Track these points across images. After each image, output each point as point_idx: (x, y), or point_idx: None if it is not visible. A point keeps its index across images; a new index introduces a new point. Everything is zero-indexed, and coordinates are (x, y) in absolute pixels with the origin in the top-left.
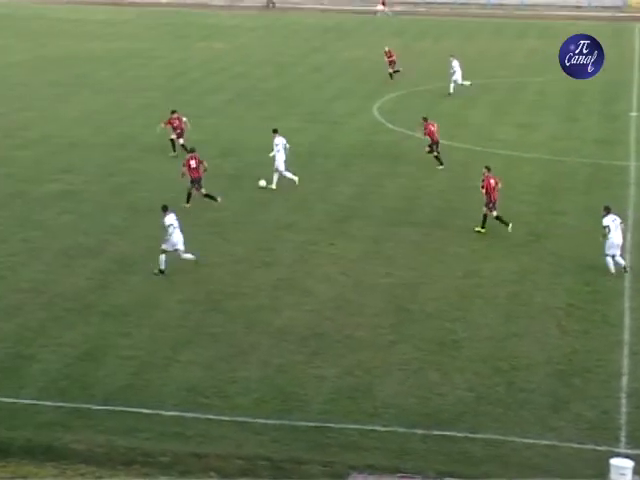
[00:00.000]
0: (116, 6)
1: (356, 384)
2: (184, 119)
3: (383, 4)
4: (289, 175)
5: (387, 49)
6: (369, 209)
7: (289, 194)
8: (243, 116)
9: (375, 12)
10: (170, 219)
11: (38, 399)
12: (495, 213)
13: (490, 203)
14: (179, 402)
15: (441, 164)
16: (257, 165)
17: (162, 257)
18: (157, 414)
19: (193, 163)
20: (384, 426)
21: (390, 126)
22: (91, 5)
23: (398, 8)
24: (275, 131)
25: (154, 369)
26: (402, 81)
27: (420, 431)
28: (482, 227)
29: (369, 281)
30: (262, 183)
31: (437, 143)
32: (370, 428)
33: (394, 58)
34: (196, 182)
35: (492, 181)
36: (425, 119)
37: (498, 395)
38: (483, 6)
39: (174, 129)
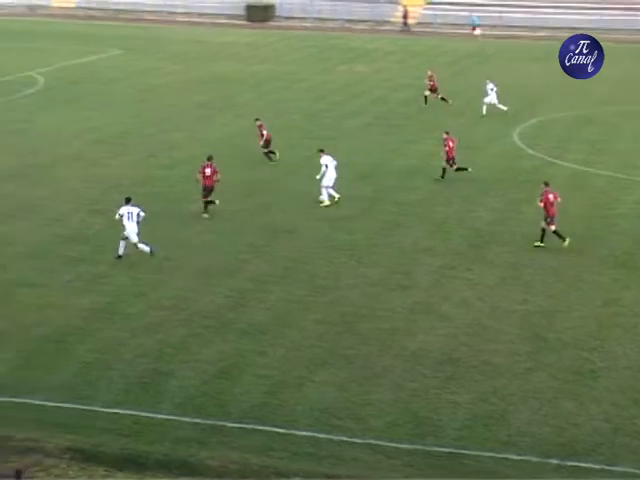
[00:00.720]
0: (262, 29)
1: (491, 411)
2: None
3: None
4: (332, 192)
5: (430, 73)
6: (507, 235)
7: (427, 217)
8: (382, 139)
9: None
10: (123, 210)
11: (175, 415)
12: (553, 227)
13: (548, 217)
14: (312, 422)
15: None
16: (395, 188)
17: (121, 243)
18: (291, 434)
19: (208, 171)
20: (518, 455)
21: (531, 152)
22: (238, 28)
23: (541, 33)
24: (321, 151)
25: (288, 388)
26: (542, 107)
27: (555, 461)
28: (541, 241)
29: (506, 307)
30: (324, 199)
31: (453, 159)
32: (504, 456)
33: (436, 84)
34: (207, 190)
35: (550, 196)
36: (447, 133)
37: (637, 427)
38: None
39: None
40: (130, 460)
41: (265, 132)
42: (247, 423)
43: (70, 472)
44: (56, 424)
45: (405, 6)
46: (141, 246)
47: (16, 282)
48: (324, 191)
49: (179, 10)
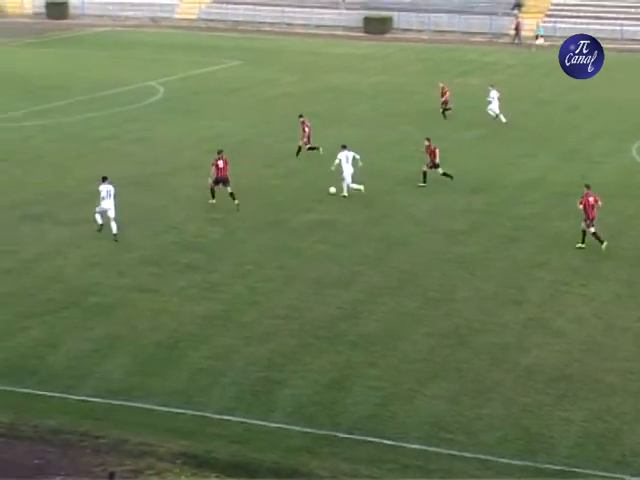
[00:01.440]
0: (378, 41)
1: (604, 430)
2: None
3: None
4: (355, 186)
5: (441, 85)
6: (623, 250)
7: (542, 232)
8: (497, 152)
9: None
10: (102, 188)
11: (287, 423)
12: (593, 229)
13: (588, 220)
14: (423, 435)
15: (424, 182)
16: (510, 202)
17: (97, 216)
18: (401, 446)
19: (221, 163)
20: (632, 475)
21: None
22: (355, 40)
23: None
24: (344, 147)
25: (399, 401)
26: None
27: None
28: (582, 242)
29: (621, 324)
30: (332, 190)
31: (437, 165)
32: (618, 476)
33: (446, 97)
34: (222, 181)
35: (591, 199)
36: (428, 139)
37: None
38: None
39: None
40: (241, 467)
41: (307, 129)
42: (357, 434)
43: (182, 477)
44: (169, 429)
45: (517, 17)
46: (114, 224)
47: (132, 288)
48: (344, 185)
49: (297, 22)
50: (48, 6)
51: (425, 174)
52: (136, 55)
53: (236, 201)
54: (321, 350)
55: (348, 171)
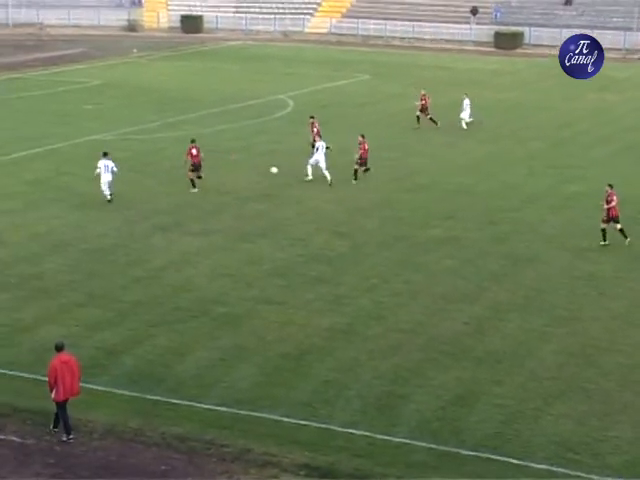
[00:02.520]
0: (509, 57)
1: None
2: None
3: None
4: (326, 174)
5: (423, 92)
6: None
7: None
8: (631, 169)
9: None
10: (101, 163)
11: (410, 438)
12: (619, 226)
13: (611, 219)
14: (548, 455)
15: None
16: None
17: (104, 190)
18: (526, 465)
19: (194, 151)
20: None
21: None
22: (485, 55)
23: None
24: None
25: (524, 419)
26: None
27: None
28: (604, 240)
29: None
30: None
31: (365, 161)
32: None
33: (426, 103)
34: (196, 167)
35: (615, 197)
36: (362, 136)
37: None
38: None
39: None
40: None
41: (316, 128)
42: (482, 451)
43: None
44: (293, 440)
45: None
46: (109, 193)
47: (260, 299)
48: (309, 168)
49: (427, 37)
50: (183, 20)
51: (356, 171)
52: (267, 68)
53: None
54: (446, 366)
55: (321, 158)
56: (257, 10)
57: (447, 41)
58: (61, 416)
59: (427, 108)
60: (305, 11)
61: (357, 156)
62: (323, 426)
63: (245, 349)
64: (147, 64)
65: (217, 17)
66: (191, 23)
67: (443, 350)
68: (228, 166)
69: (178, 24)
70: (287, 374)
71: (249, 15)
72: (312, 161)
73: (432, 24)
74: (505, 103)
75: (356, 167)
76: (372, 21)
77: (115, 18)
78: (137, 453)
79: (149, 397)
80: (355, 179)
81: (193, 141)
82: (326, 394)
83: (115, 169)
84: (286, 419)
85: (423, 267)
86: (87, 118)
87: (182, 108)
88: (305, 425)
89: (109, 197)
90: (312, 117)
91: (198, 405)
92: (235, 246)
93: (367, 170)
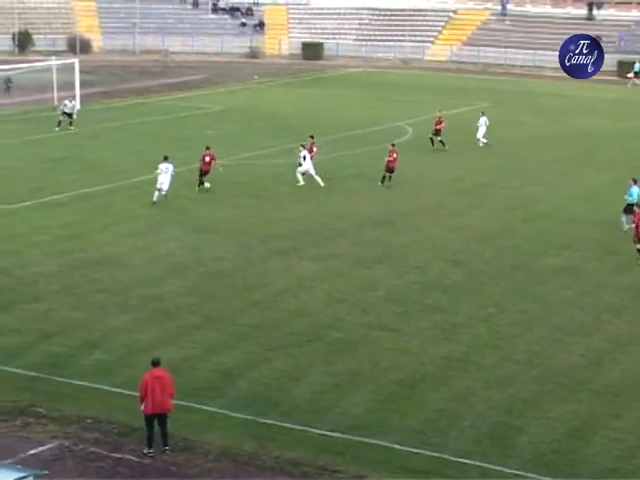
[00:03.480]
0: (625, 85)
1: None
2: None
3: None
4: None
5: (439, 115)
6: None
7: None
8: None
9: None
10: (162, 166)
11: (524, 470)
12: (638, 246)
13: (636, 237)
14: None
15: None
16: None
17: (156, 193)
18: None
19: (207, 159)
20: None
21: None
22: (606, 84)
23: None
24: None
25: None
26: None
27: None
28: None
29: None
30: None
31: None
32: None
33: (441, 127)
34: (203, 174)
35: None
36: (393, 145)
37: None
38: None
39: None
40: None
41: (315, 147)
42: None
43: None
44: (406, 467)
45: None
46: (158, 193)
47: (375, 325)
48: (299, 175)
49: (548, 65)
50: (304, 48)
51: (384, 177)
52: (386, 96)
53: (207, 184)
54: (562, 398)
55: (308, 165)
56: (377, 37)
57: None
58: (146, 429)
59: (440, 131)
60: (426, 39)
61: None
62: (436, 455)
63: (359, 375)
64: (267, 90)
65: (338, 44)
66: (312, 50)
67: (559, 382)
68: (345, 192)
69: (299, 51)
70: (401, 401)
71: (369, 42)
72: (301, 170)
73: (553, 52)
74: (624, 132)
75: (384, 173)
76: (492, 49)
77: (237, 45)
78: (251, 476)
79: (263, 421)
80: (381, 183)
81: (208, 148)
82: (439, 423)
83: (173, 172)
84: (399, 447)
85: (540, 297)
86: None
87: (301, 134)
88: (418, 453)
89: (156, 199)
90: (312, 137)
91: (312, 430)
92: (351, 272)
93: (390, 178)
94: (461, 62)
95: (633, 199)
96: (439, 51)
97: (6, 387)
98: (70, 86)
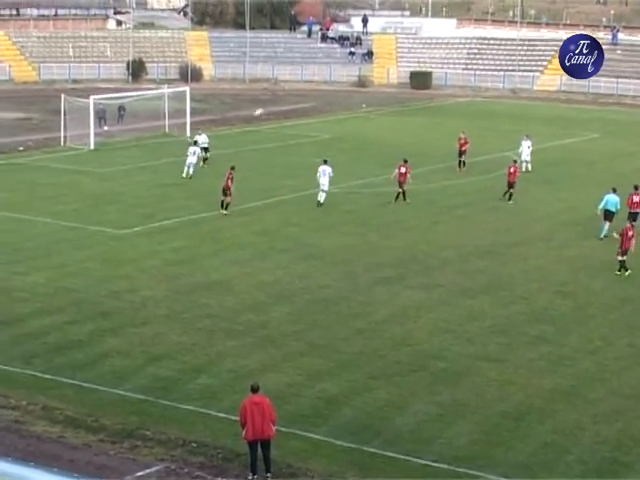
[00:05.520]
0: None
1: None
2: None
3: None
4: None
5: (463, 136)
6: None
7: None
8: None
9: None
10: (320, 168)
11: None
12: (620, 258)
13: (620, 248)
14: None
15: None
16: None
17: (320, 193)
18: None
19: (230, 180)
20: None
21: None
22: None
23: None
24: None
25: None
26: None
27: None
28: (618, 270)
29: None
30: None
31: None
32: None
33: (464, 147)
34: (225, 192)
35: (630, 232)
36: (405, 161)
37: None
38: None
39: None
40: None
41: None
42: None
43: None
44: None
45: None
46: (323, 194)
47: (480, 356)
48: (320, 193)
49: None
50: (412, 76)
51: (398, 195)
52: (494, 125)
53: (224, 211)
54: None
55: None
56: (486, 67)
57: None
58: (249, 455)
59: (465, 151)
60: (535, 68)
61: (396, 179)
62: None
63: (464, 406)
64: (375, 119)
65: (446, 73)
66: (420, 79)
67: None
68: (452, 221)
69: (407, 80)
70: (506, 434)
71: (478, 72)
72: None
73: None
74: None
75: (398, 190)
76: (603, 79)
77: (346, 74)
78: None
79: (366, 449)
80: (395, 200)
81: (232, 168)
82: (545, 457)
83: (332, 174)
84: None
85: None
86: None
87: (409, 163)
88: None
89: (321, 199)
90: (405, 160)
91: (415, 460)
92: (456, 301)
93: (400, 196)
94: (571, 92)
95: (606, 206)
96: (548, 81)
97: (115, 410)
98: (181, 114)
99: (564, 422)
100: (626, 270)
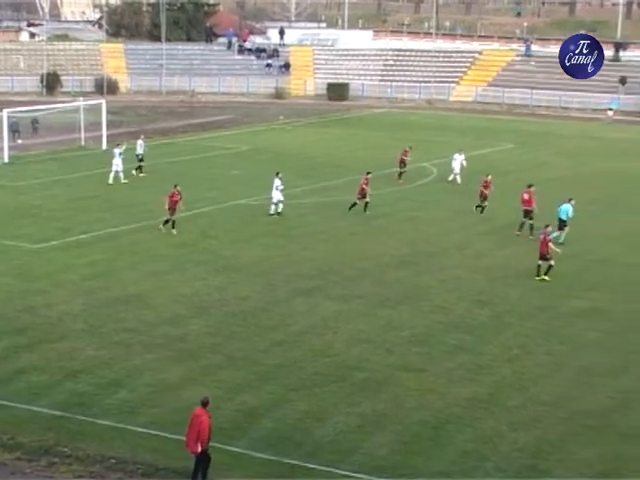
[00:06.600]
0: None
1: None
2: None
3: None
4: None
5: (407, 149)
6: None
7: None
8: None
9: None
10: (277, 181)
11: None
12: (539, 262)
13: (540, 254)
14: None
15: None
16: None
17: (272, 206)
18: None
19: (176, 197)
20: None
21: None
22: (634, 125)
23: None
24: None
25: None
26: None
27: None
28: (537, 275)
29: None
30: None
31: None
32: None
33: (404, 158)
34: (171, 210)
35: (542, 236)
36: (368, 173)
37: None
38: None
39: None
40: None
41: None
42: None
43: None
44: None
45: None
46: (274, 207)
47: (400, 366)
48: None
49: (574, 106)
50: (329, 88)
51: (354, 204)
52: (411, 136)
53: (162, 228)
54: (589, 440)
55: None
56: (402, 78)
57: (594, 110)
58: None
59: (404, 162)
60: (450, 79)
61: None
62: None
63: (384, 416)
64: (293, 130)
65: (363, 84)
66: (337, 91)
67: (586, 424)
68: (370, 232)
69: (324, 91)
70: (426, 443)
71: (394, 83)
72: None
73: (579, 93)
74: None
75: (356, 201)
76: (517, 90)
77: (263, 86)
78: None
79: (287, 461)
80: (349, 209)
81: (176, 186)
82: (465, 465)
83: (281, 186)
84: None
85: (566, 338)
86: (234, 183)
87: (326, 174)
88: None
89: (272, 212)
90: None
91: (335, 471)
92: (375, 312)
93: (354, 205)
94: (486, 103)
95: (564, 215)
96: (464, 92)
97: (31, 426)
98: (97, 126)
99: (483, 430)
100: (545, 274)
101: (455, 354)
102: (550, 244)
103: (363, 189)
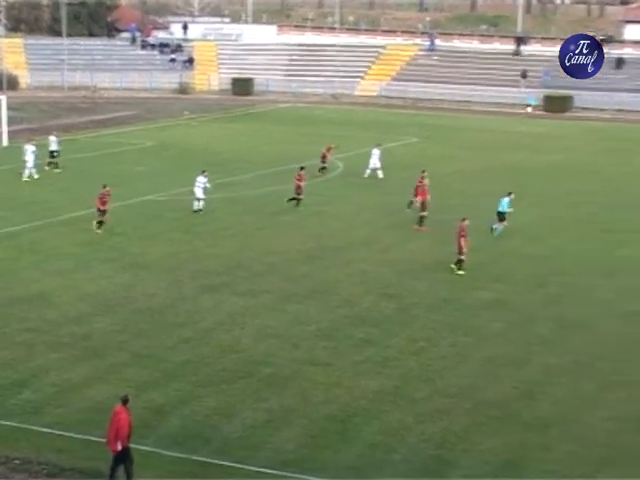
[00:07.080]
0: (557, 120)
1: None
2: None
3: None
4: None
5: (332, 146)
6: None
7: None
8: None
9: None
10: (199, 179)
11: None
12: (460, 257)
13: (457, 248)
14: None
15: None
16: None
17: (195, 203)
18: None
19: (106, 198)
20: None
21: None
22: (533, 119)
23: None
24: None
25: None
26: None
27: None
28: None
29: None
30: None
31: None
32: None
33: (326, 154)
34: (101, 211)
35: (460, 231)
36: (301, 168)
37: None
38: None
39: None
40: None
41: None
42: None
43: None
44: None
45: None
46: (198, 204)
47: (307, 360)
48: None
49: (476, 100)
50: (234, 83)
51: (293, 199)
52: (316, 131)
53: (98, 231)
54: (494, 430)
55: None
56: (307, 73)
57: (496, 104)
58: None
59: (325, 157)
60: (355, 74)
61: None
62: None
63: (291, 411)
64: (198, 126)
65: (267, 79)
66: (241, 86)
67: (491, 415)
68: (277, 227)
69: (229, 86)
70: (333, 436)
71: (299, 78)
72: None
73: (481, 87)
74: (554, 166)
75: (295, 196)
76: (421, 84)
77: (167, 81)
78: None
79: (196, 458)
80: (287, 201)
81: (105, 186)
82: (373, 457)
83: (207, 185)
84: None
85: (471, 330)
86: (139, 179)
87: (232, 169)
88: None
89: (195, 208)
90: (302, 168)
91: (245, 467)
92: (282, 307)
93: (293, 200)
94: (390, 97)
95: (502, 208)
96: (369, 86)
97: None
98: None
99: (390, 422)
100: (459, 269)
101: (362, 347)
102: (462, 238)
103: (299, 186)
